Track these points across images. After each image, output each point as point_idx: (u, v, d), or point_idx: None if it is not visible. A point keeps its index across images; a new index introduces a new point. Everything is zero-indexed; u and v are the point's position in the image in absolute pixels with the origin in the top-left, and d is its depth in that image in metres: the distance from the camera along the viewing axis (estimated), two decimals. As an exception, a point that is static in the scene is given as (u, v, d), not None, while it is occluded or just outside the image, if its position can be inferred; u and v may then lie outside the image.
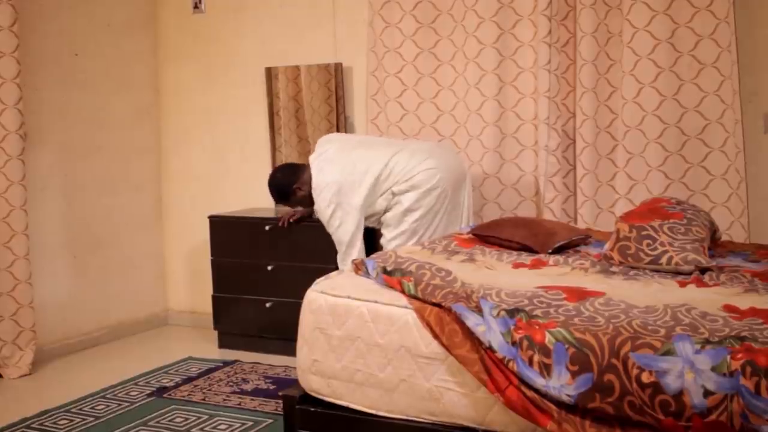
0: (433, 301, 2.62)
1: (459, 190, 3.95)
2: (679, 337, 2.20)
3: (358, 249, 3.84)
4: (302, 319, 2.89)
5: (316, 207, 3.91)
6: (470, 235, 3.62)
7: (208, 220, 4.79)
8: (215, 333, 4.82)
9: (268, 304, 4.55)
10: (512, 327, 2.41)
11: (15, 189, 4.33)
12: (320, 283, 2.97)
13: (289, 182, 4.06)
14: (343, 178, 3.81)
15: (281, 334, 4.44)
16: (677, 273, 2.92)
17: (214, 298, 4.77)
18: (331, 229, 3.86)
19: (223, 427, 3.54)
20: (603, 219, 4.12)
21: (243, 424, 3.56)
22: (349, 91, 4.79)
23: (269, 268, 4.46)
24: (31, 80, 4.53)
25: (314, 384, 2.83)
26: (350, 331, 2.75)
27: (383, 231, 3.92)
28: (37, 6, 4.61)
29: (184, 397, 3.93)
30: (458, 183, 3.94)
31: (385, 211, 3.90)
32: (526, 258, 3.22)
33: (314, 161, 3.94)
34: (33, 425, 3.62)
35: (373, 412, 2.71)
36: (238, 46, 5.12)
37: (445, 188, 3.85)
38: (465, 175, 4.00)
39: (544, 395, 2.34)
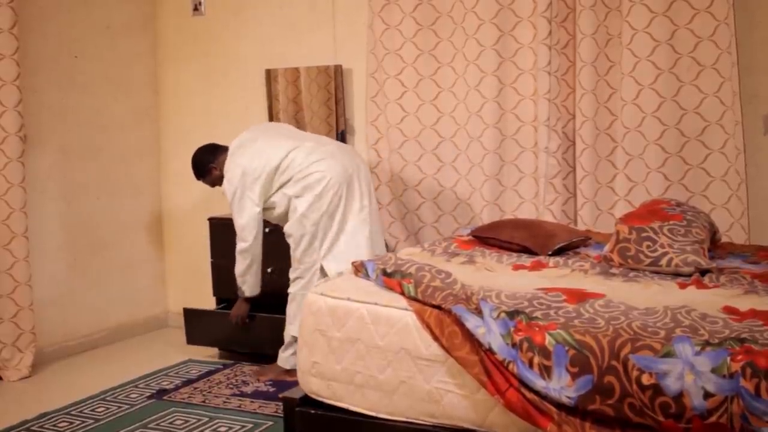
0: (433, 303, 2.62)
1: (354, 193, 4.01)
2: (679, 338, 2.20)
3: (254, 235, 4.02)
4: (302, 321, 2.89)
5: (223, 188, 4.11)
6: (470, 237, 3.62)
7: (207, 222, 4.79)
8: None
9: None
10: (512, 329, 2.41)
11: (15, 191, 4.33)
12: (320, 285, 2.98)
13: (207, 161, 4.25)
14: (248, 166, 4.00)
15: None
16: (677, 275, 2.92)
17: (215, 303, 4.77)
18: (232, 210, 4.06)
19: (223, 429, 3.54)
20: (603, 221, 4.12)
21: (243, 426, 3.56)
22: (349, 93, 4.79)
23: (269, 270, 4.45)
24: (30, 82, 4.53)
25: (314, 386, 2.83)
26: (350, 333, 2.74)
27: (288, 241, 4.02)
28: (36, 8, 4.61)
29: (184, 399, 3.93)
30: (351, 184, 4.00)
31: (285, 213, 4.03)
32: (526, 260, 3.22)
33: (231, 146, 4.16)
34: (33, 428, 3.62)
35: (373, 414, 2.71)
36: (237, 48, 5.12)
37: (338, 190, 3.95)
38: (354, 176, 4.03)
39: (544, 397, 2.34)
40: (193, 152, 4.32)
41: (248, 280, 4.14)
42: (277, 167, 3.98)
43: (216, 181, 4.25)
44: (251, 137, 4.16)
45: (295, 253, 4.00)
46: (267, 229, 4.46)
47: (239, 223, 4.03)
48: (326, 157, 3.99)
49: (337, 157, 4.02)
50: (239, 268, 4.11)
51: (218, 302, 4.77)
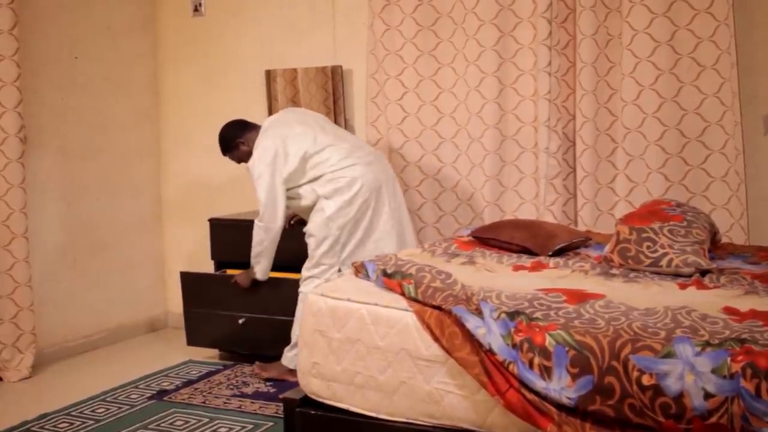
0: (434, 303, 2.62)
1: (383, 203, 3.98)
2: (680, 339, 2.20)
3: (276, 214, 3.94)
4: (302, 321, 2.89)
5: (249, 163, 4.05)
6: (470, 238, 3.62)
7: (208, 223, 4.79)
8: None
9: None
10: (512, 329, 2.41)
11: (15, 192, 4.33)
12: (320, 286, 2.98)
13: (235, 136, 4.20)
14: (281, 149, 3.95)
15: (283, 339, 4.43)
16: (677, 275, 2.92)
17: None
18: (257, 187, 3.98)
19: (223, 430, 3.54)
20: (603, 221, 4.12)
21: (243, 427, 3.56)
22: (349, 94, 4.79)
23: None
24: (30, 83, 4.53)
25: (314, 387, 2.83)
26: (350, 333, 2.74)
27: (308, 241, 3.99)
28: (37, 9, 4.61)
29: (184, 400, 3.93)
30: (380, 194, 3.98)
31: (308, 207, 4.01)
32: (527, 260, 3.22)
33: (264, 124, 4.13)
34: (33, 428, 3.62)
35: (374, 414, 2.71)
36: (237, 49, 5.12)
37: (367, 199, 3.93)
38: (384, 186, 4.00)
39: (545, 398, 2.34)
40: (222, 127, 4.26)
41: (262, 261, 4.09)
42: (310, 157, 3.93)
43: (243, 157, 4.18)
44: (288, 120, 4.11)
45: (315, 253, 3.96)
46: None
47: (262, 200, 3.95)
48: (360, 162, 3.95)
49: (372, 165, 3.98)
50: (255, 247, 4.05)
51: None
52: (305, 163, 3.95)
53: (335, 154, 3.96)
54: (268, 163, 3.93)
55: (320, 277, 3.96)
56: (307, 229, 3.99)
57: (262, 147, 3.98)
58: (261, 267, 4.12)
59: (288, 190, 3.99)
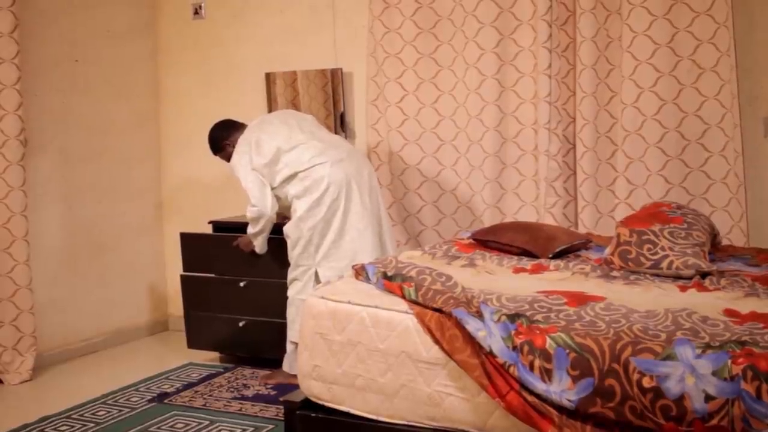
0: (434, 306, 2.62)
1: (353, 201, 3.96)
2: (680, 341, 2.20)
3: (258, 199, 3.97)
4: (303, 324, 2.89)
5: (231, 162, 4.13)
6: (471, 240, 3.62)
7: (209, 226, 4.79)
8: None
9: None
10: (513, 332, 2.41)
11: (15, 194, 4.34)
12: (321, 288, 2.98)
13: (221, 137, 4.27)
14: (253, 141, 4.03)
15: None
16: (678, 277, 2.92)
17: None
18: (240, 179, 4.04)
19: (223, 432, 3.54)
20: (603, 224, 4.12)
21: (244, 429, 3.56)
22: (349, 97, 4.79)
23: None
24: (31, 86, 4.53)
25: (315, 389, 2.83)
26: (351, 336, 2.74)
27: (287, 241, 4.02)
28: (37, 12, 4.62)
29: (185, 402, 3.93)
30: (351, 192, 3.96)
31: (287, 207, 4.05)
32: (527, 263, 3.22)
33: (251, 123, 4.21)
34: (33, 431, 3.62)
35: (374, 417, 2.71)
36: (238, 52, 5.13)
37: (336, 198, 3.92)
38: (355, 184, 3.98)
39: (545, 400, 2.34)
40: (211, 127, 4.32)
41: (258, 238, 4.13)
42: (283, 155, 3.96)
43: (229, 156, 4.21)
44: (269, 119, 4.21)
45: (292, 254, 4.00)
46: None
47: (249, 189, 4.00)
48: (329, 161, 3.95)
49: (343, 163, 3.98)
50: (249, 228, 4.10)
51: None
52: (278, 160, 3.97)
53: (306, 153, 3.98)
54: (243, 151, 4.02)
55: (301, 278, 3.99)
56: (284, 230, 4.03)
57: (240, 144, 4.07)
58: (258, 243, 4.16)
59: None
